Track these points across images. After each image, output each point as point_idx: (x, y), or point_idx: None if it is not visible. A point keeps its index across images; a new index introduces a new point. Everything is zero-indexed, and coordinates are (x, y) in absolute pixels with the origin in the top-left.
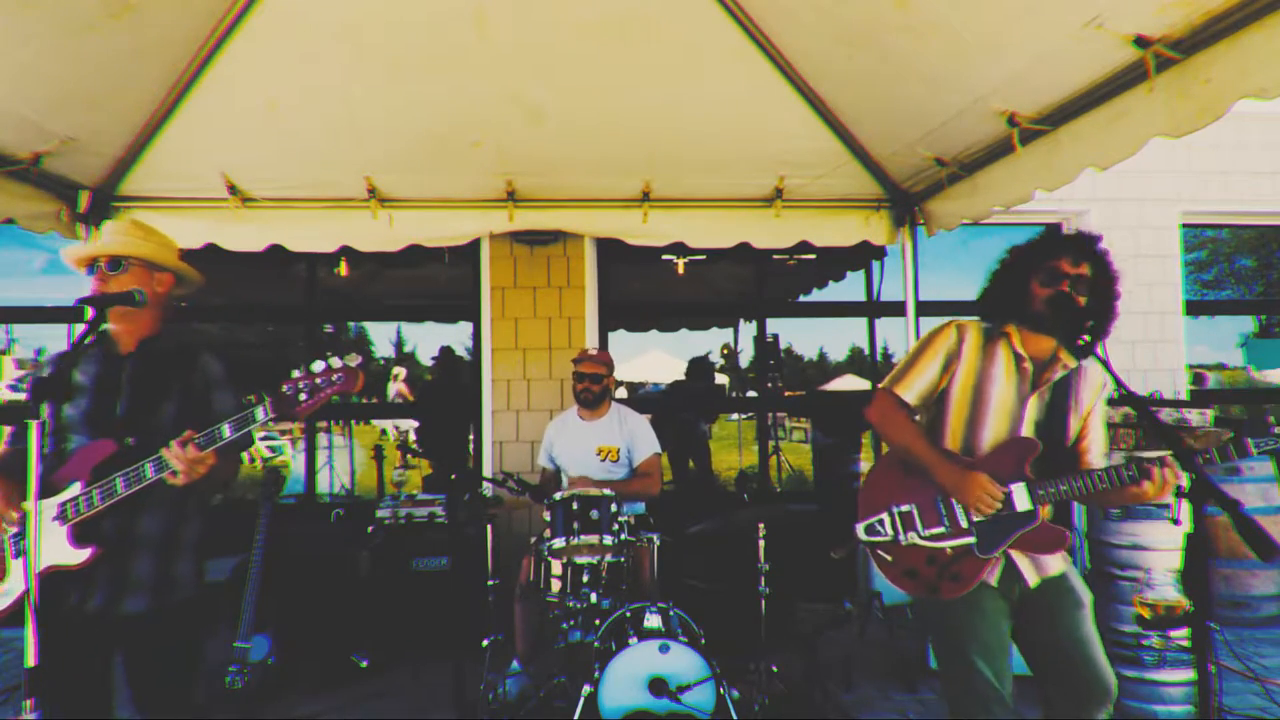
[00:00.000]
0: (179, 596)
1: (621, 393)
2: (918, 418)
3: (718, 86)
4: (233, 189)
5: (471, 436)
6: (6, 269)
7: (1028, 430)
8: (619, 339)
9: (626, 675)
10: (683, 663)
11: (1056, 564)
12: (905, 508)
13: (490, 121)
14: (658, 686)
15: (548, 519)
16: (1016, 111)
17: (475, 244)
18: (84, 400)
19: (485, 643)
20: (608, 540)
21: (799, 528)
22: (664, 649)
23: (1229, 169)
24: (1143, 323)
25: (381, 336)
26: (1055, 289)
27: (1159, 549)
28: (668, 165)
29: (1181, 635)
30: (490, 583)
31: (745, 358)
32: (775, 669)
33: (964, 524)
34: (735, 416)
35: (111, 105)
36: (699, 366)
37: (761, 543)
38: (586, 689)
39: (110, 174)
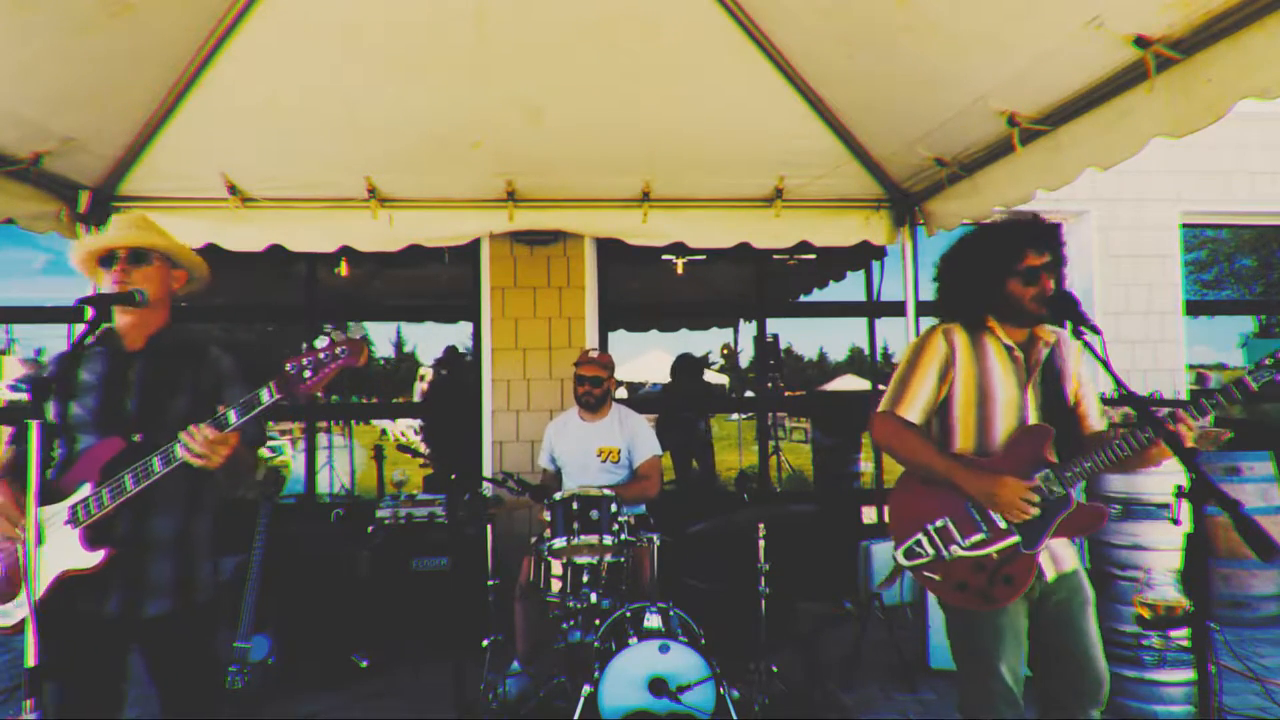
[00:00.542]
0: (201, 598)
1: (621, 393)
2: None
3: (718, 86)
4: (233, 189)
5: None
6: (6, 269)
7: (1034, 416)
8: (619, 339)
9: (626, 675)
10: (683, 663)
11: (1071, 559)
12: (939, 523)
13: (490, 121)
14: (658, 686)
15: (547, 519)
16: (1016, 111)
17: (475, 244)
18: (92, 399)
19: (485, 643)
20: (608, 540)
21: (799, 528)
22: (664, 649)
23: (1229, 169)
24: (1143, 323)
25: (381, 336)
26: (1039, 287)
27: (1159, 549)
28: (668, 165)
29: (1181, 635)
30: (490, 583)
31: (745, 358)
32: (775, 669)
33: (1003, 525)
34: (735, 416)
35: (111, 105)
36: (686, 365)
37: (761, 543)
38: (586, 689)
39: (110, 174)
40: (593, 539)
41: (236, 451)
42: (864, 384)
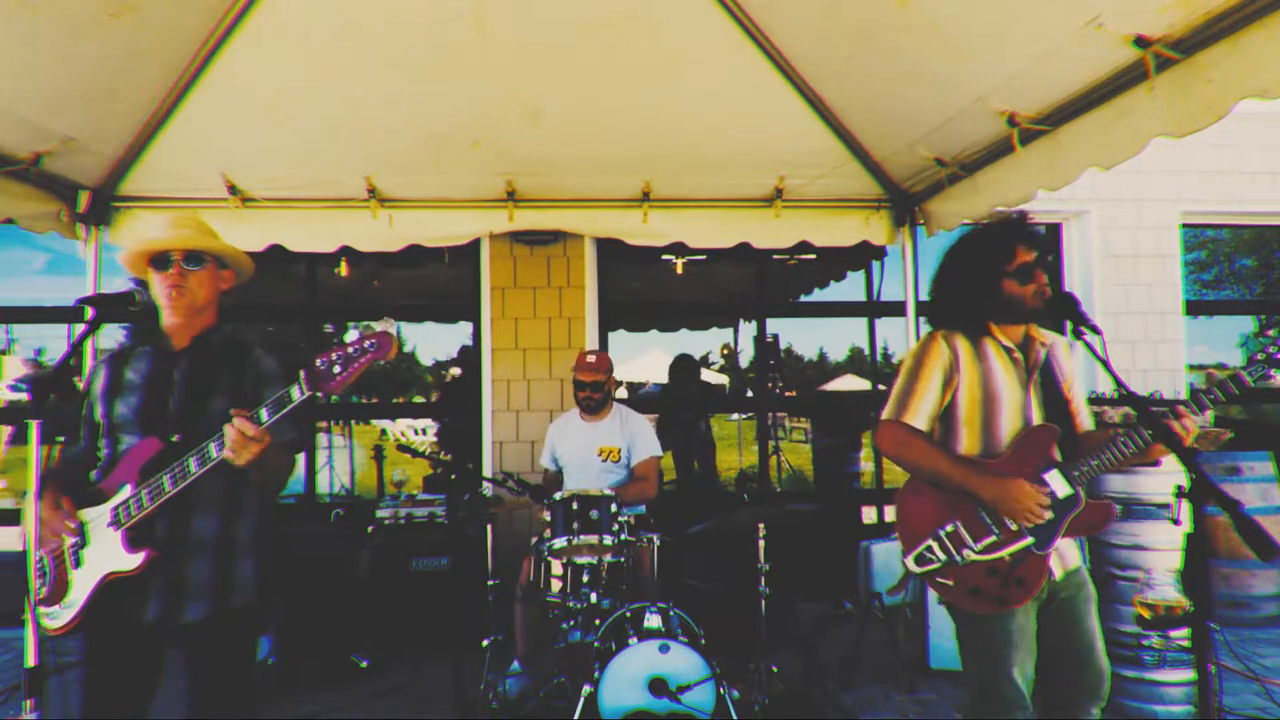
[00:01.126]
0: (239, 601)
1: (621, 392)
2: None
3: (718, 86)
4: (233, 189)
5: None
6: (6, 269)
7: (1038, 416)
8: (619, 339)
9: (626, 675)
10: (683, 663)
11: (1075, 556)
12: (950, 527)
13: (490, 121)
14: (658, 686)
15: (548, 519)
16: (1016, 111)
17: (475, 244)
18: (136, 398)
19: (485, 643)
20: (608, 540)
21: (799, 528)
22: (664, 649)
23: (1229, 169)
24: (1143, 323)
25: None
26: (1036, 284)
27: (1159, 549)
28: (668, 165)
29: (1181, 635)
30: (490, 583)
31: (745, 358)
32: (775, 669)
33: (1014, 527)
34: (735, 416)
35: (111, 105)
36: (684, 366)
37: (761, 543)
38: (586, 689)
39: (110, 174)
40: (593, 539)
41: (267, 453)
42: (864, 384)
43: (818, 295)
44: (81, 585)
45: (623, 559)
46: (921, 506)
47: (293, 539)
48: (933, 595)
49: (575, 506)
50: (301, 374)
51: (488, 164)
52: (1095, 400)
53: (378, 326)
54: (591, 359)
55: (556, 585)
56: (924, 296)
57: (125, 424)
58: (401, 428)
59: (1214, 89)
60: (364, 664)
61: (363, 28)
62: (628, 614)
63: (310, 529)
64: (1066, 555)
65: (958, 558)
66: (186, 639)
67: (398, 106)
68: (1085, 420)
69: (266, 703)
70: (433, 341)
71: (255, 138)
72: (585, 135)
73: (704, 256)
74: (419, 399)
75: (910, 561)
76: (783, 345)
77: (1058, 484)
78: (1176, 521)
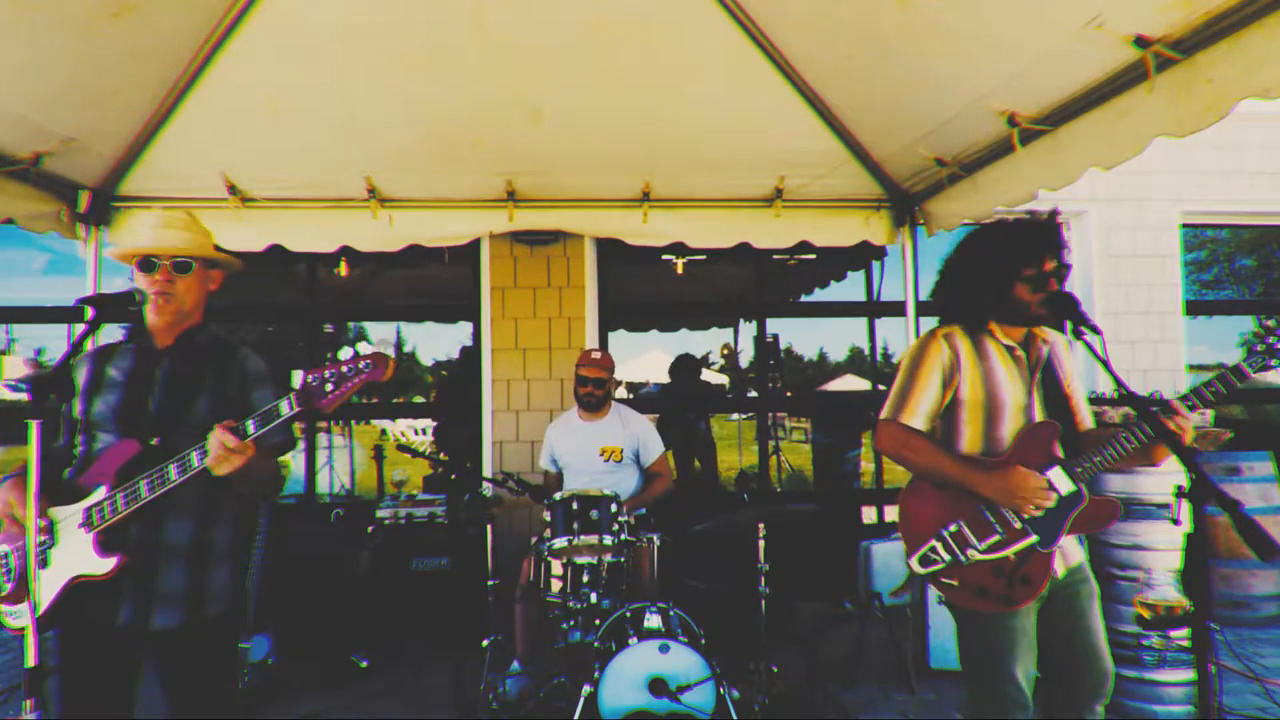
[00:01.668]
0: (213, 610)
1: (621, 392)
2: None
3: (718, 86)
4: (233, 189)
5: None
6: (6, 269)
7: (1040, 415)
8: (619, 339)
9: (626, 675)
10: (683, 663)
11: (1077, 553)
12: (953, 527)
13: (490, 121)
14: (658, 686)
15: (547, 519)
16: (1016, 111)
17: (475, 244)
18: (115, 396)
19: (485, 643)
20: (608, 540)
21: (799, 528)
22: (664, 649)
23: (1229, 169)
24: (1143, 323)
25: (381, 337)
26: (1046, 291)
27: (1159, 549)
28: (667, 165)
29: (1181, 635)
30: (490, 583)
31: (745, 358)
32: (775, 669)
33: (1018, 525)
34: (735, 416)
35: (112, 105)
36: (684, 365)
37: (761, 543)
38: (586, 689)
39: (110, 174)
40: (593, 539)
41: (253, 462)
42: (864, 384)
43: (818, 295)
44: (47, 586)
45: (623, 559)
46: (924, 507)
47: (293, 539)
48: (933, 595)
49: (575, 506)
50: (296, 382)
51: (488, 164)
52: (1095, 400)
53: (365, 349)
54: (596, 355)
55: (556, 585)
56: (927, 296)
57: (102, 421)
58: (401, 428)
59: (1215, 89)
60: (364, 664)
61: (363, 28)
62: (628, 614)
63: (310, 529)
64: (1069, 552)
65: (962, 558)
66: (159, 648)
67: (398, 106)
68: (1086, 418)
69: (266, 702)
70: (433, 341)
71: (255, 138)
72: (585, 135)
73: (704, 256)
74: (419, 399)
75: (914, 563)
76: (783, 345)
77: (1060, 480)
78: (1176, 521)
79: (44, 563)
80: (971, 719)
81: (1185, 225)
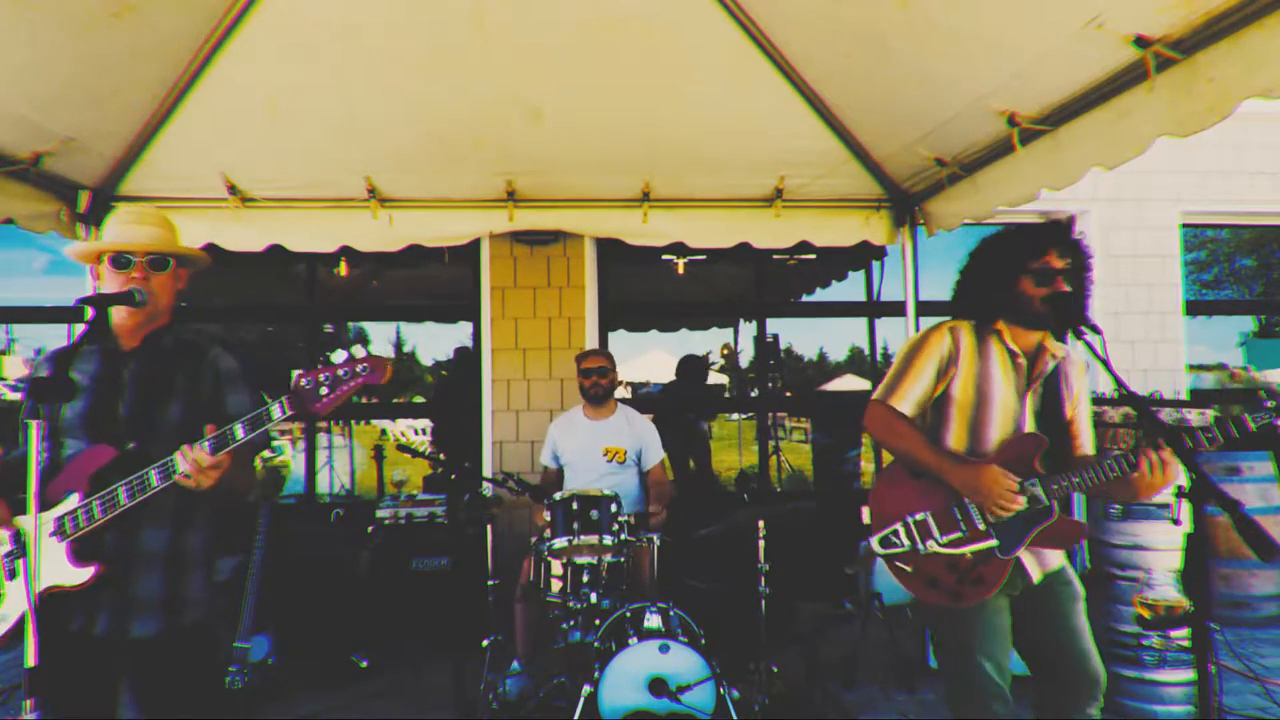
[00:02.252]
0: (191, 616)
1: (623, 392)
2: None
3: (718, 86)
4: (233, 189)
5: None
6: (6, 269)
7: (1030, 425)
8: (619, 339)
9: (626, 675)
10: (683, 663)
11: (1057, 558)
12: (920, 516)
13: (490, 121)
14: (658, 686)
15: (547, 519)
16: (1016, 111)
17: (475, 244)
18: (82, 401)
19: (485, 643)
20: (608, 540)
21: (799, 528)
22: (664, 649)
23: (1229, 169)
24: (1143, 323)
25: (381, 337)
26: (1051, 288)
27: (1159, 549)
28: (668, 165)
29: (1181, 635)
30: (490, 583)
31: (745, 358)
32: (775, 669)
33: (981, 526)
34: (735, 416)
35: (112, 105)
36: (690, 366)
37: (761, 543)
38: (586, 689)
39: (110, 174)
40: (593, 539)
41: (229, 473)
42: (864, 384)
43: (818, 295)
44: (17, 598)
45: (623, 559)
46: (896, 492)
47: (293, 539)
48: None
49: (575, 506)
50: (288, 388)
51: (488, 164)
52: (1095, 400)
53: (361, 351)
54: (596, 349)
55: (556, 585)
56: (927, 296)
57: (70, 428)
58: (401, 428)
59: (1216, 89)
60: (364, 664)
61: (363, 28)
62: (628, 614)
63: (310, 529)
64: (1046, 557)
65: (920, 546)
66: (137, 659)
67: (398, 106)
68: (1086, 445)
69: (266, 702)
70: (433, 341)
71: (255, 138)
72: (585, 135)
73: (704, 256)
74: (419, 399)
75: (875, 542)
76: (783, 345)
77: (1034, 493)
78: (1176, 521)
79: (12, 574)
80: (954, 712)
81: (1185, 225)
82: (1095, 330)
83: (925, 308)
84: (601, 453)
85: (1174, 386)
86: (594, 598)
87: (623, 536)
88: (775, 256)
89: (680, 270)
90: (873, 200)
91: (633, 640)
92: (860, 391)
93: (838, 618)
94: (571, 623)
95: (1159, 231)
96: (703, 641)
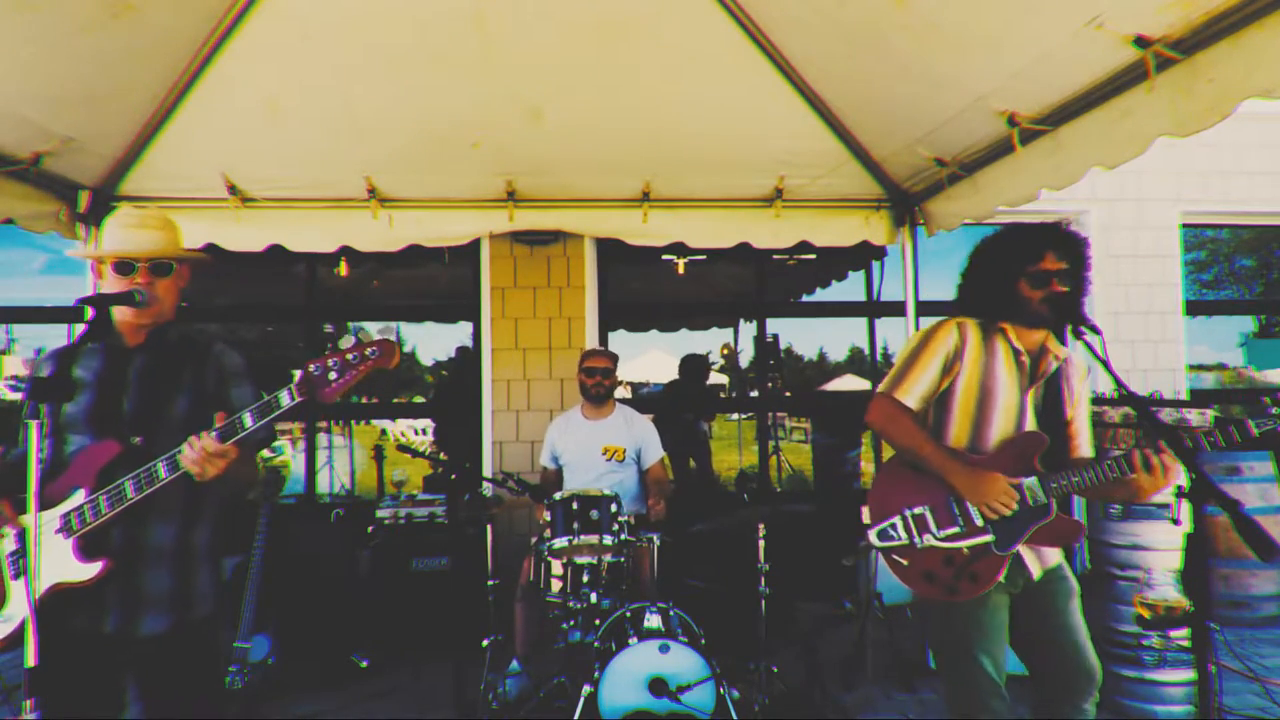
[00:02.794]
0: (199, 612)
1: (623, 392)
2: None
3: (718, 86)
4: (233, 189)
5: None
6: (6, 269)
7: (1031, 424)
8: (619, 339)
9: (626, 675)
10: (683, 663)
11: (1055, 555)
12: (918, 510)
13: (490, 121)
14: (658, 686)
15: (547, 519)
16: (1016, 111)
17: (475, 244)
18: (86, 397)
19: (485, 643)
20: (608, 540)
21: (799, 528)
22: (664, 649)
23: (1229, 169)
24: (1143, 323)
25: (383, 326)
26: (1048, 290)
27: (1159, 549)
28: (668, 165)
29: (1181, 635)
30: (490, 583)
31: (745, 358)
32: (775, 669)
33: (979, 522)
34: (735, 416)
35: (111, 105)
36: (693, 365)
37: (761, 543)
38: (586, 689)
39: (110, 174)
40: (593, 539)
41: (234, 464)
42: (864, 384)
43: (818, 295)
44: (21, 598)
45: (623, 559)
46: (896, 485)
47: (293, 539)
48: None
49: (575, 506)
50: (296, 375)
51: (487, 164)
52: (1095, 400)
53: (375, 334)
54: (599, 348)
55: (556, 585)
56: (927, 296)
57: (74, 424)
58: (401, 428)
59: (1216, 89)
60: (364, 664)
61: (363, 28)
62: (628, 614)
63: (310, 529)
64: (1046, 554)
65: (918, 540)
66: (145, 656)
67: (398, 106)
68: (1084, 447)
69: (266, 702)
70: (433, 341)
71: (255, 138)
72: (585, 135)
73: (704, 256)
74: (419, 399)
75: (873, 535)
76: (783, 345)
77: (1033, 491)
78: (1176, 521)
79: (18, 573)
80: (952, 711)
81: (1185, 225)
82: (1095, 330)
83: (925, 308)
84: (600, 452)
85: (1174, 386)
86: (594, 598)
87: (623, 536)
88: (775, 256)
89: (680, 270)
90: (873, 200)
91: (633, 640)
92: (860, 391)
93: (838, 618)
94: (571, 623)
95: (1159, 231)
96: (703, 641)
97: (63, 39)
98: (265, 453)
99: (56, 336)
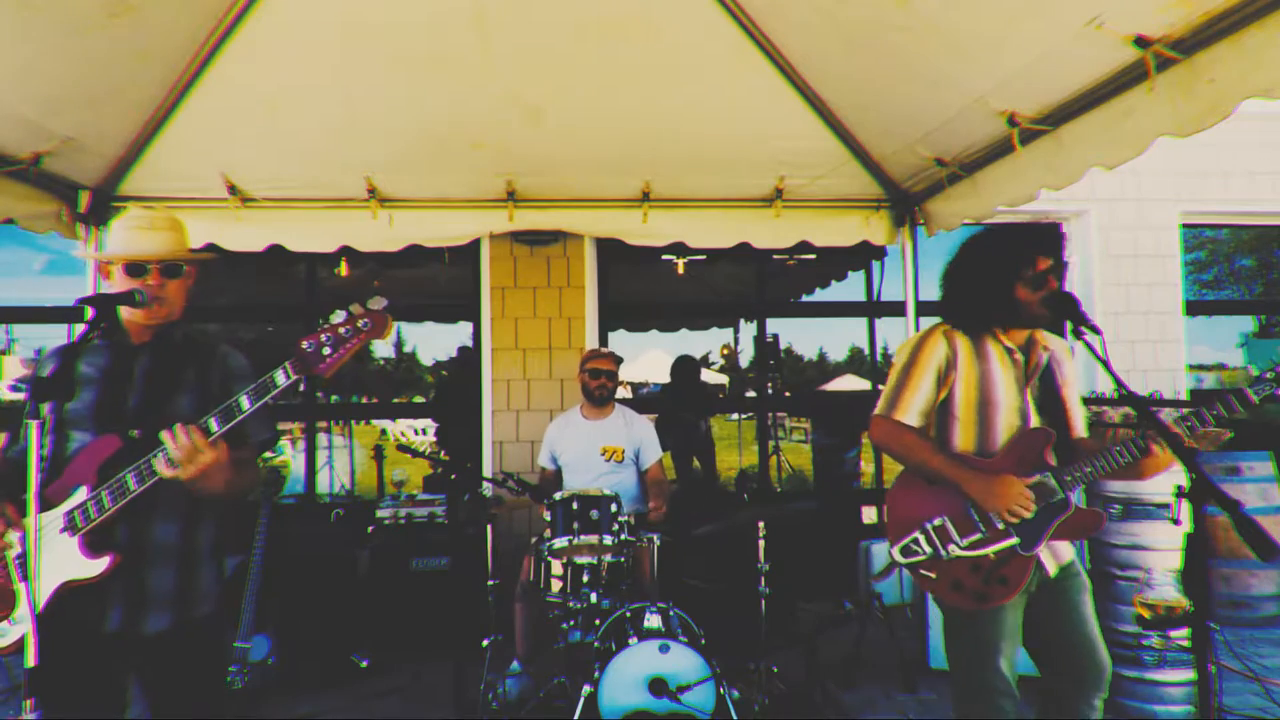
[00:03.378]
0: (202, 610)
1: (623, 392)
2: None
3: (718, 86)
4: (233, 189)
5: None
6: (6, 269)
7: (1035, 419)
8: (619, 339)
9: (626, 675)
10: (683, 663)
11: (1068, 551)
12: (938, 521)
13: (490, 121)
14: (658, 686)
15: (548, 519)
16: (1016, 111)
17: (475, 244)
18: (90, 393)
19: (485, 643)
20: (608, 540)
21: (799, 528)
22: (664, 649)
23: (1229, 169)
24: (1143, 323)
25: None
26: (1046, 290)
27: (1159, 549)
28: (668, 165)
29: (1181, 635)
30: (490, 583)
31: (745, 358)
32: (775, 669)
33: (1001, 526)
34: (735, 416)
35: (111, 105)
36: (684, 367)
37: (761, 543)
38: (586, 689)
39: (110, 174)
40: (593, 539)
41: (233, 473)
42: (864, 384)
43: (818, 295)
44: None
45: (623, 559)
46: (911, 499)
47: (293, 539)
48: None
49: (575, 506)
50: (288, 359)
51: (487, 164)
52: (1095, 400)
53: (359, 308)
54: (604, 350)
55: (556, 585)
56: (927, 295)
57: (78, 420)
58: (401, 428)
59: (1216, 89)
60: (364, 664)
61: (363, 28)
62: (628, 614)
63: (310, 529)
64: (1060, 551)
65: (943, 552)
66: (148, 655)
67: (398, 106)
68: (1080, 426)
69: (266, 702)
70: (433, 341)
71: (255, 138)
72: (585, 135)
73: (704, 256)
74: (419, 399)
75: (896, 552)
76: (783, 345)
77: (1047, 487)
78: (1176, 521)
79: (25, 574)
80: (961, 712)
81: (1185, 225)
82: (1095, 330)
83: (925, 308)
84: (599, 452)
85: (1174, 386)
86: (594, 598)
87: (623, 536)
88: (775, 256)
89: (680, 270)
90: (873, 200)
91: (633, 640)
92: (860, 391)
93: (838, 618)
94: (571, 623)
95: (1159, 231)
96: (703, 641)
97: (62, 39)
98: (265, 452)
99: (56, 336)
